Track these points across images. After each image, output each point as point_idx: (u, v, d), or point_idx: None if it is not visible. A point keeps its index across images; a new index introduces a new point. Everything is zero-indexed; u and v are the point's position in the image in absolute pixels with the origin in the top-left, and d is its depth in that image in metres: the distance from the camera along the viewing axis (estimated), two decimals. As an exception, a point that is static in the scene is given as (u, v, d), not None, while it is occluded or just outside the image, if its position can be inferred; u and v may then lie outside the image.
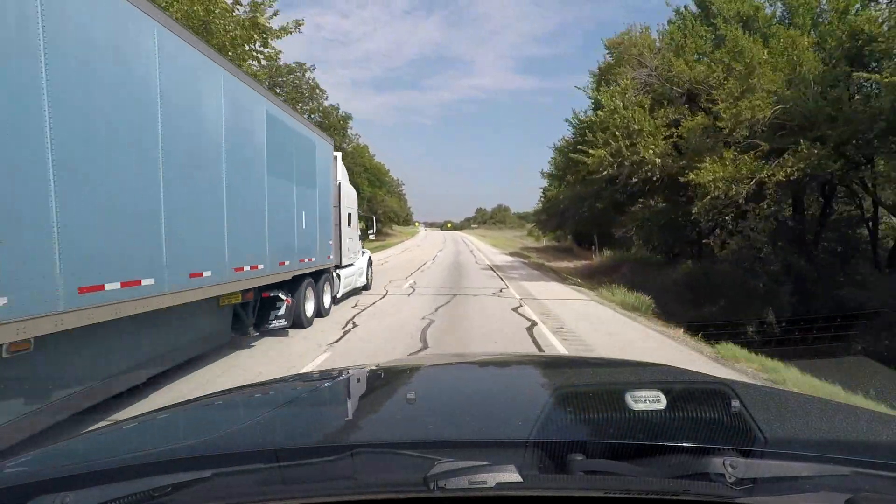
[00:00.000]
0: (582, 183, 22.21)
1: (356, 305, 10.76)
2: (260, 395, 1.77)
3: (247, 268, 5.98)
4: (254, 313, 6.77)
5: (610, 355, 6.78)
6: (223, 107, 5.43)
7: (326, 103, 38.11)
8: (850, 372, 8.20)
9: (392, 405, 1.50)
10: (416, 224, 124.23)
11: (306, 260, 8.12)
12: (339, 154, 10.54)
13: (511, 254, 36.10)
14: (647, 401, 1.18)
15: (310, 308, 8.36)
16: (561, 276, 19.94)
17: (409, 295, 12.67)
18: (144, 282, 4.09)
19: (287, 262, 7.26)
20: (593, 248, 29.75)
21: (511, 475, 0.82)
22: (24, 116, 3.04)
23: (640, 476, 0.87)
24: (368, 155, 51.59)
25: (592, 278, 19.80)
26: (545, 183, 40.25)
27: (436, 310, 10.33)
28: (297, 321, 7.81)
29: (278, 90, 32.42)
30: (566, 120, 22.42)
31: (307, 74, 36.55)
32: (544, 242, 49.84)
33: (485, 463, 0.85)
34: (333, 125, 37.09)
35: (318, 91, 37.21)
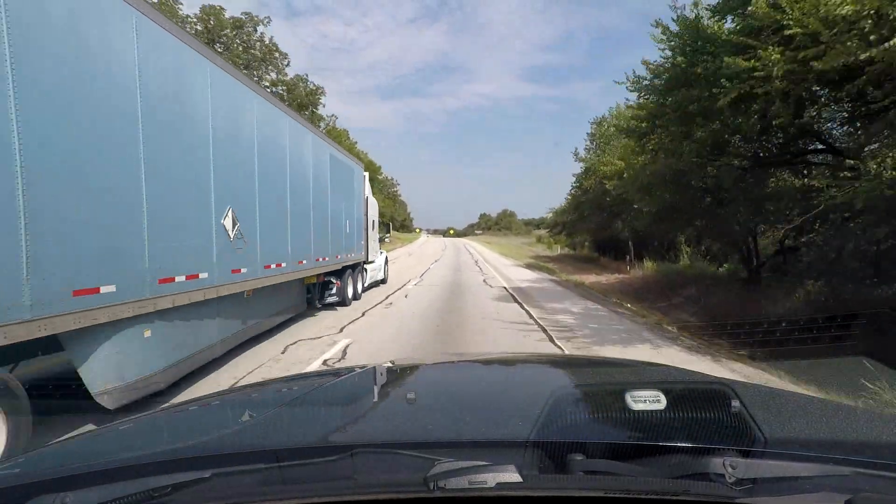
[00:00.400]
0: (688, 136, 10.01)
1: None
2: (260, 395, 1.77)
3: (320, 259, 8.99)
4: (318, 291, 9.78)
5: None
6: (311, 157, 8.48)
7: (290, 72, 29.98)
8: None
9: (392, 405, 1.50)
10: (418, 230, 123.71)
11: (349, 255, 11.02)
12: (367, 174, 13.15)
13: (528, 266, 27.63)
14: (647, 401, 1.17)
15: (350, 291, 11.12)
16: (659, 325, 10.13)
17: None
18: (282, 265, 7.14)
19: (339, 257, 10.21)
20: (628, 257, 24.28)
21: (511, 475, 0.82)
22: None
23: (640, 476, 0.87)
24: (348, 142, 40.87)
25: (644, 301, 13.96)
26: (579, 168, 29.93)
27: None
28: (342, 301, 10.57)
29: (219, 47, 24.67)
30: (655, 23, 9.70)
31: (259, 29, 28.44)
32: (558, 251, 43.81)
33: (485, 463, 0.85)
34: (299, 100, 28.69)
35: (276, 54, 29.03)
